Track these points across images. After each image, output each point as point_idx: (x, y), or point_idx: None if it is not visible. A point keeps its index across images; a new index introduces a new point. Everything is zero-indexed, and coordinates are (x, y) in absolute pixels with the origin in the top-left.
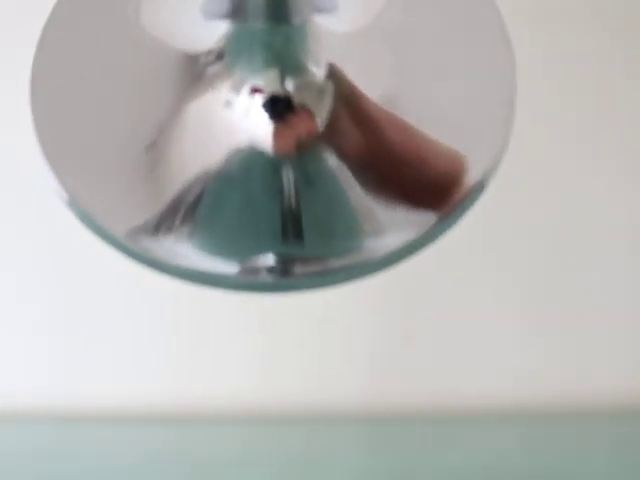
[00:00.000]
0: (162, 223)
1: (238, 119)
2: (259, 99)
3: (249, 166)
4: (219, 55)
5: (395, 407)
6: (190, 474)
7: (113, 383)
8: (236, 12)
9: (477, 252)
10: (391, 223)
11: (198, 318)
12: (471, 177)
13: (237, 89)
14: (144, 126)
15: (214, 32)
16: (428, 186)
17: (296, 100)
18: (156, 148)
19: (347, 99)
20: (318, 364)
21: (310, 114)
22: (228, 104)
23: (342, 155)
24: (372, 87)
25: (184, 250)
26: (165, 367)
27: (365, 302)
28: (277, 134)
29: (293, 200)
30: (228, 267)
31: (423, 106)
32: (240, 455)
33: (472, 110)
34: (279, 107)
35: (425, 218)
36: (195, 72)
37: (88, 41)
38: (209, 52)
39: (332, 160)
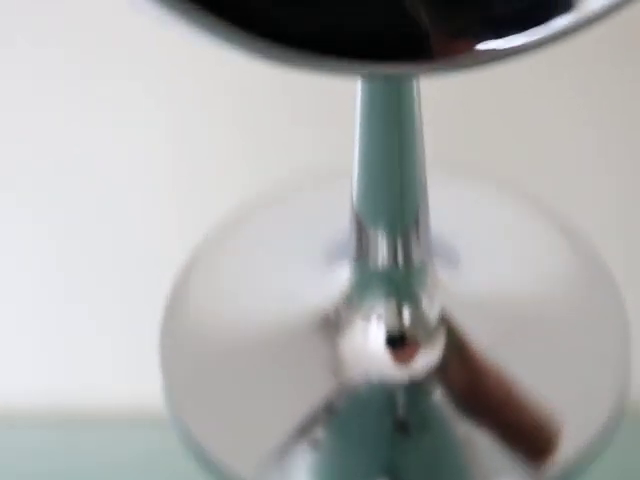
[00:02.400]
0: (284, 453)
1: (366, 348)
2: (381, 329)
3: (367, 396)
4: (348, 298)
5: None
6: (190, 474)
7: (113, 383)
8: (359, 256)
9: None
10: (490, 470)
11: None
12: (566, 450)
13: (365, 319)
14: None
15: (334, 277)
16: (521, 445)
17: (410, 335)
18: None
19: (456, 346)
20: None
21: (422, 350)
22: (364, 334)
23: (447, 395)
24: (481, 338)
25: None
26: None
27: None
28: (393, 364)
29: (404, 433)
30: None
31: (529, 369)
32: None
33: (578, 383)
34: (396, 340)
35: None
36: (331, 321)
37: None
38: (337, 300)
39: (438, 398)
